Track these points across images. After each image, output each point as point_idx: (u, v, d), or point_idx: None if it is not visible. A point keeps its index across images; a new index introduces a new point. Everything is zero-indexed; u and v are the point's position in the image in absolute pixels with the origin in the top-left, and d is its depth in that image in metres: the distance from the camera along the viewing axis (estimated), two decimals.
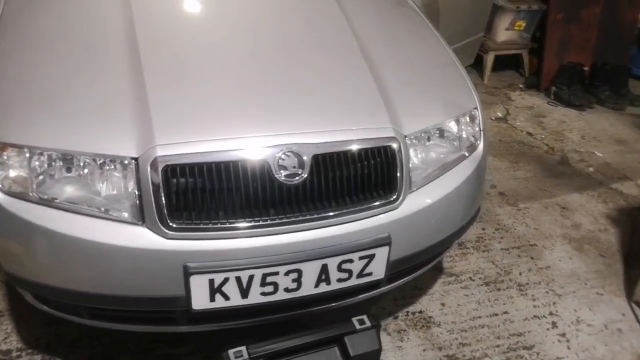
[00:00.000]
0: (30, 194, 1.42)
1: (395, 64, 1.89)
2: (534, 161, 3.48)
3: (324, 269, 1.54)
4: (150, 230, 1.41)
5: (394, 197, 1.61)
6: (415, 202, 1.67)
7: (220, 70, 1.65)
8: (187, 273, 1.42)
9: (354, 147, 1.54)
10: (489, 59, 4.61)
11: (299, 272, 1.51)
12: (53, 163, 1.44)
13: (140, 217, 1.42)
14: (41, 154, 1.43)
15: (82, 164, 1.45)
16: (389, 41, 2.01)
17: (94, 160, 1.44)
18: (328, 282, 1.57)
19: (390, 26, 2.13)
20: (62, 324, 1.88)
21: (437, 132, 1.79)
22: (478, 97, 1.95)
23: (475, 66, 4.76)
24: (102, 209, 1.43)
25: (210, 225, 1.43)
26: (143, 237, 1.41)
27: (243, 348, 1.54)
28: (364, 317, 1.67)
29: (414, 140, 1.71)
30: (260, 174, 1.45)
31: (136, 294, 1.47)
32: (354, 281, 1.61)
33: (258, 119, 1.52)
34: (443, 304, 2.23)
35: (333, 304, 1.70)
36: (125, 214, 1.43)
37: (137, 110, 1.48)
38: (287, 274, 1.50)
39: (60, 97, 1.52)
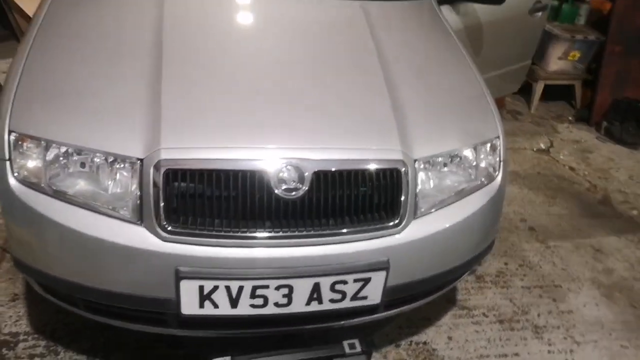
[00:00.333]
0: (43, 185, 1.49)
1: (417, 87, 1.86)
2: (572, 198, 3.31)
3: (316, 287, 1.52)
4: (148, 230, 1.44)
5: (396, 221, 1.57)
6: (419, 228, 1.62)
7: (236, 82, 1.68)
8: (178, 277, 1.43)
9: (358, 167, 1.52)
10: (538, 88, 4.46)
11: (290, 288, 1.50)
12: (68, 157, 1.50)
13: (140, 217, 1.45)
14: (56, 147, 1.49)
15: (94, 161, 1.50)
16: (415, 65, 1.97)
17: (105, 158, 1.49)
18: (320, 302, 1.55)
19: (420, 50, 2.09)
20: (69, 313, 1.92)
21: (452, 158, 1.73)
22: (502, 127, 1.89)
23: (524, 94, 4.62)
24: (107, 205, 1.47)
25: (204, 232, 1.44)
26: (139, 237, 1.44)
27: (228, 358, 1.54)
28: (356, 341, 1.64)
29: (425, 165, 1.66)
30: (259, 185, 1.45)
31: (129, 292, 1.50)
32: (347, 303, 1.58)
33: (263, 132, 1.53)
34: (450, 338, 2.15)
35: (326, 324, 1.67)
36: (127, 213, 1.46)
37: (149, 113, 1.52)
38: (277, 288, 1.49)
39: (80, 95, 1.59)
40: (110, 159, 1.49)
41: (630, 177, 3.69)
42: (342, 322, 1.69)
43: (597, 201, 3.34)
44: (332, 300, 1.56)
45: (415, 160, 1.62)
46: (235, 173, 1.44)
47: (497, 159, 1.83)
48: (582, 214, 3.16)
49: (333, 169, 1.49)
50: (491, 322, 2.26)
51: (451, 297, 2.34)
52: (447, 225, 1.66)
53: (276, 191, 1.45)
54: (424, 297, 1.82)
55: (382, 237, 1.56)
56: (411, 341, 2.10)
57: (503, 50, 3.33)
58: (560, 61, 4.42)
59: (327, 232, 1.51)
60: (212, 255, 1.44)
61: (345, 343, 1.63)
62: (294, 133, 1.54)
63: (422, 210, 1.64)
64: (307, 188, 1.47)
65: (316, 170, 1.48)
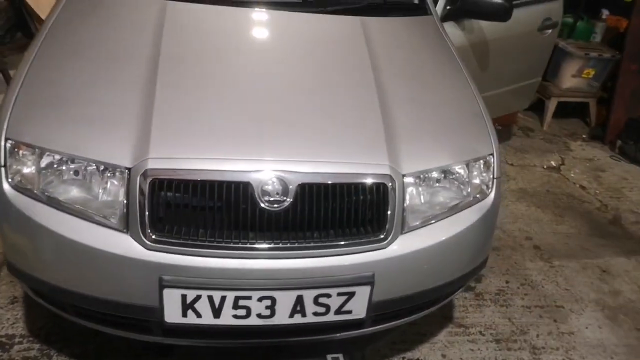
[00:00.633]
0: (35, 191, 1.53)
1: (410, 103, 1.85)
2: (581, 217, 3.25)
3: (299, 300, 1.52)
4: (133, 239, 1.47)
5: (382, 235, 1.56)
6: (407, 243, 1.61)
7: (229, 95, 1.70)
8: (162, 285, 1.45)
9: (343, 180, 1.52)
10: (551, 105, 4.40)
11: (273, 299, 1.50)
12: (62, 165, 1.54)
13: (126, 225, 1.47)
14: (50, 155, 1.53)
15: (87, 169, 1.53)
16: (411, 81, 1.97)
17: (97, 166, 1.52)
18: (304, 314, 1.55)
19: (417, 66, 2.09)
20: (64, 318, 1.97)
21: (443, 174, 1.72)
22: (496, 144, 1.87)
23: (537, 111, 4.57)
24: (97, 213, 1.50)
25: (189, 241, 1.46)
26: (125, 245, 1.46)
27: None
28: (340, 355, 1.63)
29: (415, 180, 1.66)
30: (244, 197, 1.46)
31: (115, 299, 1.52)
32: (332, 317, 1.57)
33: (250, 144, 1.54)
34: (444, 356, 2.11)
35: (311, 337, 1.67)
36: (114, 221, 1.49)
37: (140, 123, 1.56)
38: (260, 300, 1.50)
39: (76, 104, 1.63)
40: (101, 168, 1.52)
41: None
42: (328, 336, 1.68)
43: (608, 221, 3.26)
44: (315, 314, 1.55)
45: (403, 175, 1.61)
46: (220, 184, 1.46)
47: (491, 176, 1.81)
48: (590, 234, 3.09)
49: (318, 182, 1.50)
50: (487, 341, 2.22)
51: (447, 313, 2.31)
52: (436, 242, 1.65)
53: (260, 203, 1.47)
54: (413, 314, 1.80)
55: (367, 251, 1.56)
56: (403, 357, 2.07)
57: (511, 67, 3.31)
58: (574, 78, 4.36)
59: (312, 244, 1.51)
60: (195, 264, 1.46)
61: (330, 357, 1.62)
62: (280, 146, 1.55)
63: (411, 225, 1.63)
64: (291, 200, 1.48)
65: (301, 182, 1.49)
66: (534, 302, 2.47)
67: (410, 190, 1.65)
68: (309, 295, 1.52)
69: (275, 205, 1.46)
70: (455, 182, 1.76)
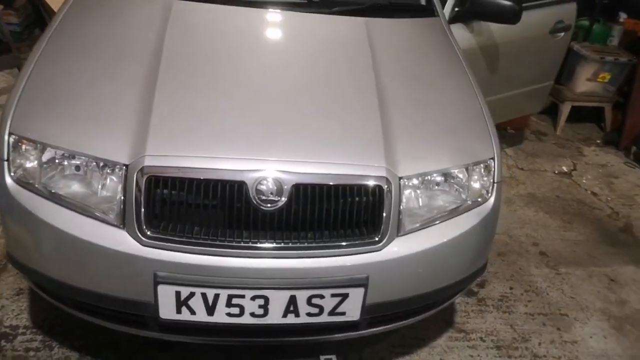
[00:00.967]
0: (37, 186, 1.55)
1: (411, 106, 1.84)
2: (590, 224, 3.19)
3: (292, 300, 1.52)
4: (129, 234, 1.48)
5: (377, 238, 1.56)
6: (402, 246, 1.61)
7: (229, 94, 1.71)
8: (156, 281, 1.47)
9: (338, 182, 1.52)
10: (565, 109, 4.34)
11: (266, 299, 1.51)
12: (63, 160, 1.57)
13: (123, 221, 1.49)
14: (51, 150, 1.56)
15: (88, 164, 1.56)
16: (412, 83, 1.96)
17: (96, 162, 1.55)
18: (297, 315, 1.55)
19: (419, 68, 2.07)
20: (65, 311, 2.00)
21: (442, 177, 1.71)
22: (498, 148, 1.85)
23: (551, 115, 4.51)
24: (96, 208, 1.53)
25: (183, 238, 1.47)
26: (121, 240, 1.48)
27: None
28: (333, 357, 1.63)
29: (412, 183, 1.65)
30: (238, 196, 1.47)
31: (112, 294, 1.54)
32: (325, 318, 1.57)
33: (247, 144, 1.55)
34: None
35: (306, 338, 1.67)
36: (111, 216, 1.51)
37: (139, 121, 1.58)
38: (253, 298, 1.51)
39: (78, 100, 1.66)
40: (101, 164, 1.54)
41: None
42: (323, 337, 1.68)
43: (618, 229, 3.20)
44: (309, 314, 1.56)
45: (400, 178, 1.61)
46: (216, 183, 1.47)
47: (491, 180, 1.79)
48: (599, 241, 3.04)
49: (313, 183, 1.50)
50: (488, 348, 2.20)
51: (448, 318, 2.29)
52: (432, 245, 1.64)
53: (254, 202, 1.47)
54: (410, 317, 1.79)
55: (362, 253, 1.56)
56: None
57: (522, 70, 3.27)
58: (589, 82, 4.29)
59: (306, 245, 1.51)
60: (189, 262, 1.47)
61: (323, 358, 1.62)
62: (276, 146, 1.56)
63: (407, 228, 1.63)
64: (286, 200, 1.49)
65: (295, 183, 1.49)
66: (537, 310, 2.44)
67: (407, 192, 1.64)
68: (302, 296, 1.52)
69: (269, 205, 1.47)
70: (455, 186, 1.74)
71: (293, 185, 1.49)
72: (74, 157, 1.56)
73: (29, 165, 1.57)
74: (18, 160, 1.57)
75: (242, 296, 1.50)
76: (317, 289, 1.52)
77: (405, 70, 2.02)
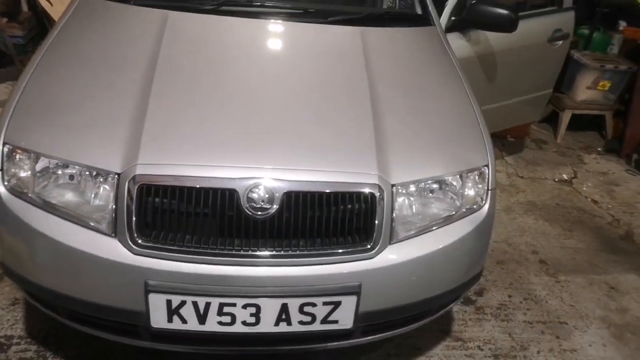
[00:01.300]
0: (30, 195, 1.56)
1: (405, 113, 1.84)
2: (591, 232, 3.17)
3: (284, 308, 1.52)
4: (120, 243, 1.49)
5: (369, 245, 1.56)
6: (396, 254, 1.60)
7: (222, 104, 1.72)
8: (147, 290, 1.47)
9: (330, 189, 1.52)
10: (565, 117, 4.33)
11: (257, 307, 1.51)
12: (57, 170, 1.58)
13: (114, 229, 1.50)
14: (44, 160, 1.57)
15: (82, 174, 1.57)
16: (406, 92, 1.96)
17: (90, 171, 1.55)
18: (289, 323, 1.55)
19: (414, 77, 2.07)
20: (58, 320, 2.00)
21: (436, 185, 1.71)
22: (492, 155, 1.84)
23: (552, 123, 4.51)
24: (89, 217, 1.53)
25: (175, 247, 1.47)
26: (113, 249, 1.48)
27: None
28: None
29: (406, 191, 1.65)
30: (229, 204, 1.47)
31: (104, 303, 1.54)
32: (318, 326, 1.56)
33: (238, 152, 1.55)
34: None
35: (299, 347, 1.66)
36: (104, 225, 1.51)
37: (132, 130, 1.58)
38: (244, 307, 1.50)
39: (72, 110, 1.67)
40: (94, 173, 1.55)
41: None
42: (316, 346, 1.67)
43: (619, 236, 3.18)
44: (301, 322, 1.55)
45: (393, 185, 1.61)
46: (207, 191, 1.47)
47: (485, 188, 1.79)
48: (600, 249, 3.02)
49: (304, 191, 1.50)
50: (485, 356, 2.18)
51: (445, 327, 2.28)
52: (425, 253, 1.63)
53: (246, 210, 1.47)
54: (404, 325, 1.77)
55: (354, 260, 1.55)
56: None
57: (520, 78, 3.27)
58: (589, 91, 4.29)
59: (298, 253, 1.51)
60: (180, 270, 1.47)
61: None
62: (268, 154, 1.56)
63: (400, 236, 1.62)
64: (277, 208, 1.48)
65: (287, 191, 1.49)
66: (536, 318, 2.42)
67: (400, 200, 1.63)
68: (294, 304, 1.51)
69: (260, 213, 1.47)
70: (449, 193, 1.74)
71: (285, 193, 1.49)
72: (67, 167, 1.56)
73: (22, 174, 1.58)
74: (12, 170, 1.58)
75: (234, 304, 1.49)
76: (309, 297, 1.52)
77: (400, 78, 2.02)
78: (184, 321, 1.51)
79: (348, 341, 1.68)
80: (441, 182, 1.71)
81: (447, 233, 1.69)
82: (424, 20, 2.43)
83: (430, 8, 2.46)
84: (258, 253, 1.49)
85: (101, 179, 1.54)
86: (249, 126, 1.65)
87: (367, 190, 1.55)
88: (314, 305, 1.52)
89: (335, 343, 1.67)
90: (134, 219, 1.46)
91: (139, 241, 1.47)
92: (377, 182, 1.56)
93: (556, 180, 3.75)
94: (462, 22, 2.76)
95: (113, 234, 1.50)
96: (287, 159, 1.56)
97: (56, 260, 1.53)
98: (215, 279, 1.47)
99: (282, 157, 1.56)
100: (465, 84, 2.09)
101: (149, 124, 1.59)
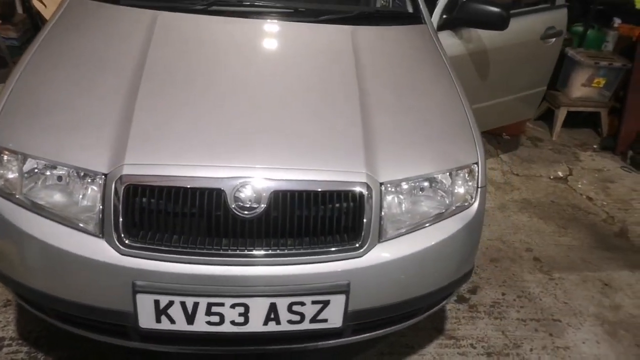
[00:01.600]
0: (18, 196, 1.56)
1: (394, 111, 1.84)
2: (585, 229, 3.17)
3: (273, 307, 1.51)
4: (108, 244, 1.48)
5: (358, 244, 1.55)
6: (384, 252, 1.60)
7: (210, 104, 1.71)
8: (135, 290, 1.46)
9: (318, 188, 1.52)
10: (560, 115, 4.33)
11: (246, 306, 1.50)
12: (46, 170, 1.57)
13: (101, 230, 1.49)
14: (32, 161, 1.56)
15: (70, 175, 1.56)
16: (396, 90, 1.95)
17: (77, 172, 1.55)
18: (278, 322, 1.54)
19: (403, 75, 2.07)
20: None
21: (426, 183, 1.71)
22: (482, 153, 1.84)
23: (547, 121, 4.50)
24: (76, 218, 1.53)
25: (162, 247, 1.47)
26: (100, 250, 1.48)
27: None
28: None
29: (394, 189, 1.64)
30: (216, 204, 1.47)
31: (92, 304, 1.54)
32: (307, 325, 1.56)
33: (225, 151, 1.55)
34: None
35: (289, 346, 1.66)
36: (91, 226, 1.51)
37: (119, 130, 1.58)
38: (233, 306, 1.50)
39: (60, 111, 1.66)
40: (82, 174, 1.54)
41: None
42: (306, 345, 1.67)
43: (613, 233, 3.18)
44: (290, 322, 1.55)
45: (381, 184, 1.60)
46: (194, 191, 1.47)
47: (475, 185, 1.78)
48: (594, 246, 3.02)
49: (292, 190, 1.50)
50: (478, 354, 2.17)
51: (438, 325, 2.28)
52: (414, 251, 1.62)
53: (233, 210, 1.47)
54: (395, 324, 1.77)
55: (343, 259, 1.55)
56: None
57: (513, 76, 3.27)
58: (584, 88, 4.28)
59: (286, 252, 1.51)
60: (168, 270, 1.47)
61: None
62: (254, 153, 1.55)
63: (389, 234, 1.62)
64: (264, 207, 1.48)
65: (274, 190, 1.49)
66: (530, 315, 2.42)
67: (389, 198, 1.63)
68: (282, 303, 1.51)
69: (246, 213, 1.47)
70: (439, 191, 1.73)
71: (272, 192, 1.49)
72: (55, 168, 1.56)
73: (10, 176, 1.57)
74: (0, 171, 1.58)
75: (222, 304, 1.49)
76: (298, 296, 1.51)
77: (390, 76, 2.02)
78: (172, 321, 1.51)
79: (338, 340, 1.68)
80: (431, 180, 1.71)
81: (436, 231, 1.68)
82: (415, 18, 2.42)
83: (421, 6, 2.46)
84: (246, 252, 1.49)
85: (89, 180, 1.54)
86: (236, 126, 1.64)
87: (355, 188, 1.54)
88: (302, 304, 1.52)
89: (326, 342, 1.67)
90: (121, 219, 1.46)
91: (126, 241, 1.46)
92: (365, 181, 1.56)
93: (551, 177, 3.75)
94: (454, 21, 2.76)
95: (100, 235, 1.49)
96: (275, 158, 1.56)
97: (44, 261, 1.53)
98: (203, 279, 1.47)
99: (270, 157, 1.56)
100: (455, 82, 2.09)
101: (136, 124, 1.59)
